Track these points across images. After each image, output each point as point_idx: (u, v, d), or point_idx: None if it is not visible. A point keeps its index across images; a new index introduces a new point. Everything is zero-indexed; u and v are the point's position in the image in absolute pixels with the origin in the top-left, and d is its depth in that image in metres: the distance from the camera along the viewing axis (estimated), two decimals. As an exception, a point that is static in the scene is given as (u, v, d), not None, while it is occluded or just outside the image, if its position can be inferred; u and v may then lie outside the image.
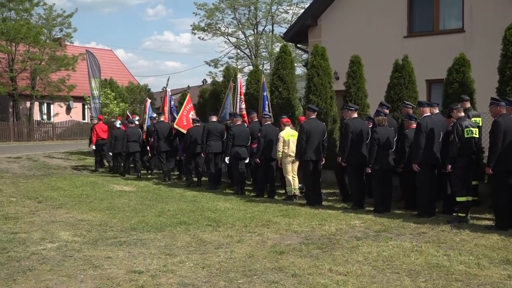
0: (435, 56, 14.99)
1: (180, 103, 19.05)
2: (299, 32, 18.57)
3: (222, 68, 35.15)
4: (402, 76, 13.06)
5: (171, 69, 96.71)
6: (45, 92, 33.36)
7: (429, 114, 10.09)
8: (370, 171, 10.49)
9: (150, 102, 19.96)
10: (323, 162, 11.66)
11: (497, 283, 5.86)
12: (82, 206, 11.03)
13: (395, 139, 10.66)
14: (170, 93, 18.17)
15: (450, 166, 9.47)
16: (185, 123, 15.43)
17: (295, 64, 18.45)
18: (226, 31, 43.44)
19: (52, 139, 33.41)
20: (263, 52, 43.59)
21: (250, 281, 5.95)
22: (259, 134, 12.37)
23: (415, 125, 10.35)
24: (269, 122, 12.75)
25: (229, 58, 44.27)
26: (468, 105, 10.41)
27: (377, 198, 10.50)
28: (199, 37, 44.55)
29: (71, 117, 37.20)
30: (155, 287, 5.75)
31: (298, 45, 21.02)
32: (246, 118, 14.13)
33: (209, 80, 37.72)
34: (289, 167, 11.92)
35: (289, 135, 11.90)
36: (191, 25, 43.11)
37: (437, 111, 10.45)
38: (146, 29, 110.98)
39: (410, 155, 10.26)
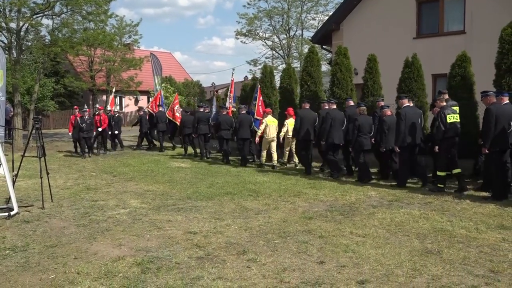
0: (440, 54, 14.68)
1: (226, 95, 19.12)
2: (324, 36, 18.43)
3: (260, 67, 35.04)
4: (411, 71, 12.85)
5: (218, 68, 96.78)
6: (118, 87, 33.88)
7: (408, 104, 10.14)
8: (351, 150, 11.01)
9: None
10: (314, 142, 12.16)
11: (493, 245, 5.70)
12: (148, 179, 11.18)
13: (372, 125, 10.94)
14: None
15: (437, 147, 9.47)
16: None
17: (321, 62, 18.18)
18: (264, 35, 43.20)
19: (124, 125, 33.90)
20: (294, 52, 43.21)
21: (284, 241, 5.93)
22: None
23: (389, 112, 10.59)
24: (244, 112, 13.77)
25: (266, 58, 44.21)
26: (446, 96, 10.20)
27: (360, 169, 10.85)
28: (241, 41, 44.76)
29: (138, 107, 37.64)
30: (206, 245, 5.78)
31: (324, 47, 20.80)
32: (230, 110, 15.22)
33: (249, 77, 37.64)
34: (267, 145, 13.02)
35: (271, 121, 12.95)
36: (234, 31, 43.18)
37: (412, 104, 10.57)
38: (198, 35, 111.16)
39: (389, 138, 10.29)
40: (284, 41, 43.21)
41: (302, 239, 6.00)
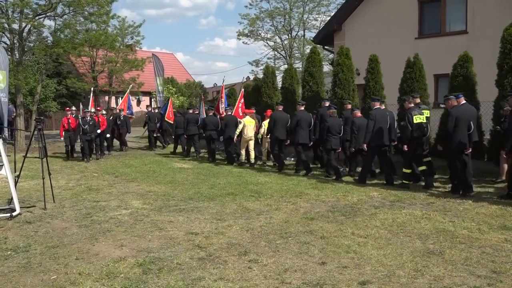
0: (442, 54, 14.66)
1: (228, 96, 19.23)
2: (326, 36, 18.42)
3: (262, 67, 35.01)
4: (413, 71, 12.86)
5: (220, 68, 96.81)
6: (119, 88, 33.89)
7: (379, 107, 10.51)
8: (322, 149, 11.57)
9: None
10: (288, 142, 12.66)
11: (495, 246, 5.67)
12: (149, 180, 11.18)
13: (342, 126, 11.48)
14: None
15: (405, 146, 9.87)
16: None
17: (323, 63, 18.21)
18: (266, 36, 43.15)
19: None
20: (296, 53, 43.19)
21: (286, 242, 5.92)
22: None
23: (359, 114, 11.26)
24: (230, 113, 14.43)
25: (268, 58, 44.25)
26: (418, 100, 10.66)
27: (329, 167, 11.43)
28: (243, 42, 44.83)
29: (140, 108, 37.66)
30: (208, 246, 5.77)
31: (325, 47, 20.81)
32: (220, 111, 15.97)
33: (251, 77, 37.62)
34: (245, 144, 13.60)
35: (248, 122, 13.51)
36: (236, 32, 43.03)
37: (383, 107, 11.02)
38: (200, 36, 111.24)
39: (359, 137, 10.83)
40: (286, 42, 43.20)
41: (304, 239, 5.99)
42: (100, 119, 15.80)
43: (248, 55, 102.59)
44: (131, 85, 24.38)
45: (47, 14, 18.32)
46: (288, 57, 42.56)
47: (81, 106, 18.13)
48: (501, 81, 10.81)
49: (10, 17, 17.76)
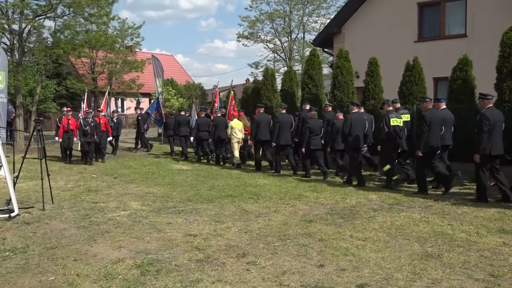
0: (442, 57, 14.68)
1: (227, 97, 19.27)
2: (326, 39, 18.45)
3: (262, 69, 35.08)
4: (412, 74, 12.86)
5: (220, 70, 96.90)
6: (119, 89, 33.91)
7: (356, 111, 10.99)
8: (304, 150, 11.88)
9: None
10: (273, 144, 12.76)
11: (493, 249, 5.68)
12: (148, 181, 11.18)
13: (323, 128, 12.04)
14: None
15: (379, 146, 10.61)
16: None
17: (322, 65, 18.21)
18: (265, 38, 43.27)
19: (125, 127, 33.92)
20: (295, 55, 43.28)
21: (284, 244, 5.92)
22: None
23: (341, 116, 11.72)
24: (220, 114, 14.90)
25: (268, 61, 44.33)
26: (398, 105, 11.12)
27: (307, 167, 11.96)
28: (243, 44, 44.82)
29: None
30: (206, 248, 5.77)
31: (325, 50, 20.81)
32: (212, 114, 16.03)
33: (251, 79, 37.67)
34: (236, 145, 13.97)
35: (235, 124, 13.99)
36: (236, 34, 43.21)
37: (362, 110, 11.59)
38: (200, 38, 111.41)
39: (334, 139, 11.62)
40: (285, 44, 43.31)
41: (302, 242, 5.99)
42: (102, 121, 15.38)
43: (248, 57, 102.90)
44: (108, 87, 24.14)
45: (47, 15, 18.32)
46: (287, 59, 42.64)
47: (82, 105, 18.08)
48: (500, 85, 10.82)
49: (10, 17, 17.77)
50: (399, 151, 10.34)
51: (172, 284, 4.60)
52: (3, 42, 18.32)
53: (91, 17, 19.41)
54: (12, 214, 7.32)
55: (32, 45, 20.42)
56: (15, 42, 18.16)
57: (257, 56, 73.87)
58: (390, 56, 15.12)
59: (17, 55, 18.58)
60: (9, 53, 17.66)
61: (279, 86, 18.31)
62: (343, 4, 18.76)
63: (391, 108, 10.40)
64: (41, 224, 7.00)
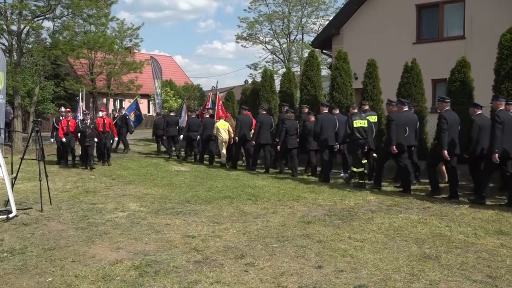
0: (440, 59, 14.69)
1: (227, 99, 19.28)
2: (324, 40, 18.47)
3: (260, 71, 35.09)
4: (411, 76, 12.87)
5: (219, 71, 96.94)
6: (118, 90, 33.94)
7: (326, 111, 11.93)
8: (279, 149, 12.74)
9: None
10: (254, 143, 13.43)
11: (491, 250, 5.69)
12: (147, 182, 11.18)
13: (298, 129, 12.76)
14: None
15: (340, 145, 11.47)
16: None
17: (321, 67, 18.24)
18: (264, 40, 43.20)
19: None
20: (294, 57, 43.25)
21: (282, 245, 5.92)
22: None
23: (313, 118, 12.35)
24: (208, 116, 15.67)
25: (266, 62, 44.17)
26: (366, 107, 12.02)
27: (281, 166, 13.02)
28: (241, 45, 45.06)
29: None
30: (205, 249, 5.77)
31: (324, 51, 20.80)
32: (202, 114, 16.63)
33: (250, 81, 37.69)
34: (222, 145, 14.59)
35: (220, 125, 14.59)
36: (235, 35, 43.34)
37: (338, 111, 12.34)
38: (198, 39, 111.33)
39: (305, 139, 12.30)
40: (284, 45, 43.24)
41: (300, 243, 6.00)
42: (106, 121, 14.76)
43: (246, 58, 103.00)
44: (80, 88, 23.53)
45: (46, 16, 18.31)
46: (286, 60, 42.61)
47: (80, 105, 17.78)
48: (498, 87, 10.83)
49: (8, 18, 17.74)
50: (365, 149, 10.88)
51: (170, 285, 4.60)
52: (1, 43, 18.30)
53: (90, 18, 19.43)
54: (10, 215, 7.31)
55: (30, 46, 20.41)
56: (13, 42, 18.14)
57: (256, 58, 74.06)
58: (389, 57, 15.12)
59: (15, 56, 18.55)
60: (7, 54, 17.62)
61: (277, 88, 18.32)
62: (342, 6, 18.80)
63: (355, 111, 10.96)
64: (39, 225, 7.00)
